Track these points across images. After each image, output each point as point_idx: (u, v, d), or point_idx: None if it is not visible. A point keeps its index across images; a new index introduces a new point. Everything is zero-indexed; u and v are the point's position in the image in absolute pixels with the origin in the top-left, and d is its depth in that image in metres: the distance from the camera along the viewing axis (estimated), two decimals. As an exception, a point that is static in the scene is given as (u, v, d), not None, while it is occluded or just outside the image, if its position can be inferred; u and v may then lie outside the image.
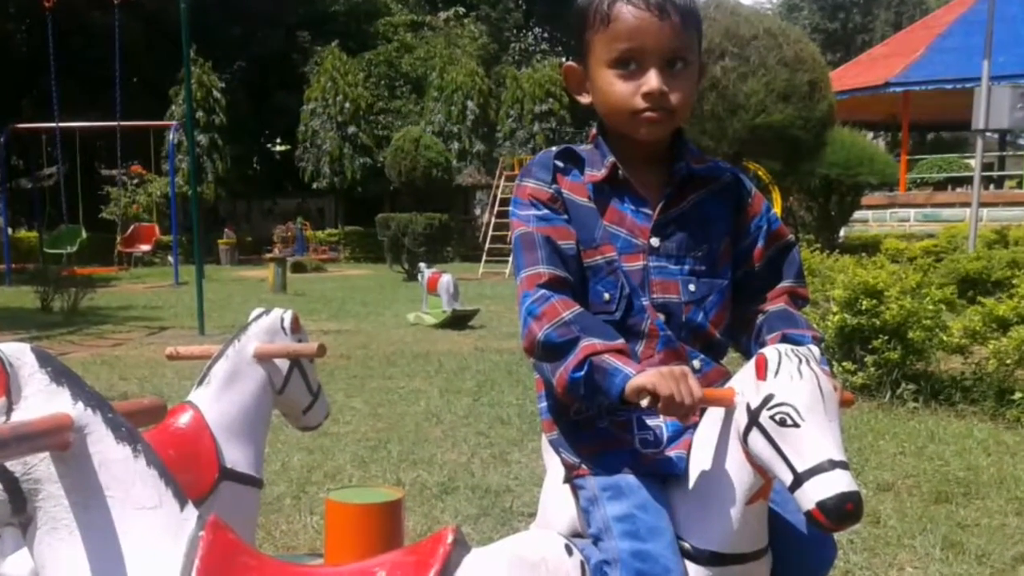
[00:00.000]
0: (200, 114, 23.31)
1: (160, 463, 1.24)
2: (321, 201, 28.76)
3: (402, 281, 16.26)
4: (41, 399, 1.18)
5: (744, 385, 1.34)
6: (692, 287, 1.52)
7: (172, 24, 16.14)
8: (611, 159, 1.52)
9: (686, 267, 1.52)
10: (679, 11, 1.45)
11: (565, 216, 1.51)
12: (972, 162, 14.73)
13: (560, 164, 1.55)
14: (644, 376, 1.31)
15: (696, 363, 1.50)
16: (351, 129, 25.54)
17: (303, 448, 4.36)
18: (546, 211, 1.51)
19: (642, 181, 1.53)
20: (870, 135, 22.00)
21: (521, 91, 25.83)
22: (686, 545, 1.40)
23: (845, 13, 41.11)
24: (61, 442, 1.16)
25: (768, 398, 1.28)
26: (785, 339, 1.45)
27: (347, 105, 25.47)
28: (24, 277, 14.69)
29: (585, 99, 1.57)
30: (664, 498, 1.43)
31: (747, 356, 1.48)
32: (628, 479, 1.44)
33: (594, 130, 1.60)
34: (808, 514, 1.24)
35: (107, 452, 1.20)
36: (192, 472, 1.88)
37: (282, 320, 2.17)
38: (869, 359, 5.40)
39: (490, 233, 19.10)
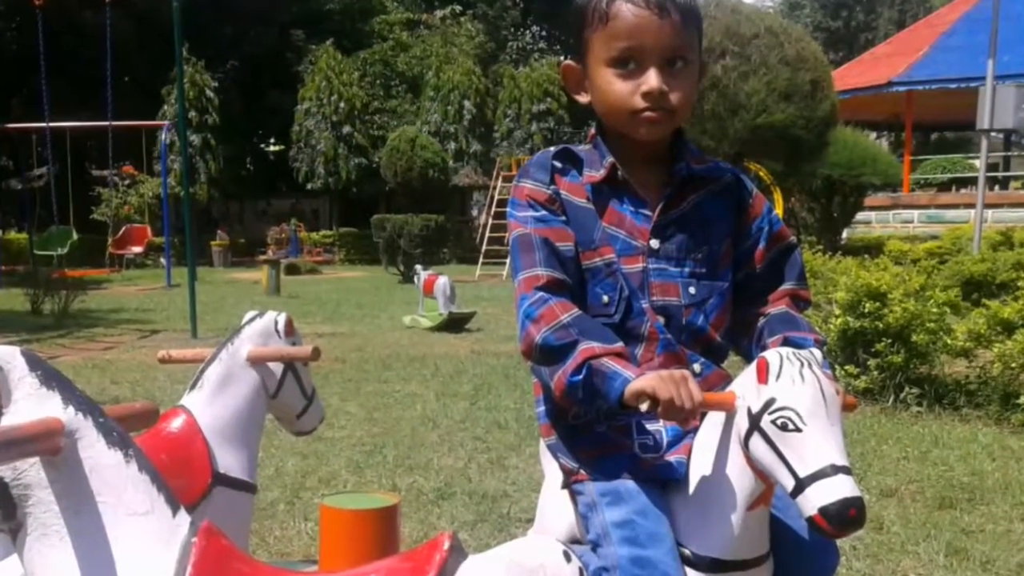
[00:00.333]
0: (193, 114, 23.23)
1: (152, 468, 1.23)
2: (316, 202, 28.70)
3: (398, 283, 16.22)
4: (31, 403, 1.16)
5: (745, 389, 1.33)
6: (692, 289, 1.50)
7: (164, 23, 16.16)
8: (610, 159, 1.51)
9: (686, 269, 1.50)
10: (679, 9, 1.43)
11: (563, 217, 1.50)
12: (977, 162, 14.61)
13: (558, 165, 1.54)
14: (643, 380, 1.30)
15: (696, 366, 1.49)
16: (346, 129, 25.49)
17: (297, 453, 4.34)
18: (544, 212, 1.49)
19: (641, 182, 1.52)
20: (873, 135, 21.97)
21: (519, 90, 25.76)
22: (686, 551, 1.38)
23: (847, 11, 41.03)
24: (51, 447, 1.14)
25: (770, 402, 1.27)
26: (787, 342, 1.44)
27: (342, 105, 25.42)
28: (14, 279, 14.64)
29: (584, 98, 1.56)
30: (664, 504, 1.42)
31: (748, 359, 1.47)
32: (627, 484, 1.42)
33: (593, 130, 1.58)
34: (810, 520, 1.23)
35: (98, 457, 1.18)
36: (184, 477, 1.86)
37: (276, 323, 2.15)
38: (872, 362, 5.37)
39: (487, 235, 19.04)
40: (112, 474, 1.18)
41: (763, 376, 1.29)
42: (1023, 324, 5.39)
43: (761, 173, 12.26)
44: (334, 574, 1.43)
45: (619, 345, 1.39)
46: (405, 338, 8.92)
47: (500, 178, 20.18)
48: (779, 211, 12.25)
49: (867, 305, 5.34)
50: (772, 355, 1.30)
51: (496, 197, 19.58)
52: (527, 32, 33.27)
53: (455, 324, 9.40)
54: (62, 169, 17.85)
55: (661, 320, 1.48)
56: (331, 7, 29.97)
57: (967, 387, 5.42)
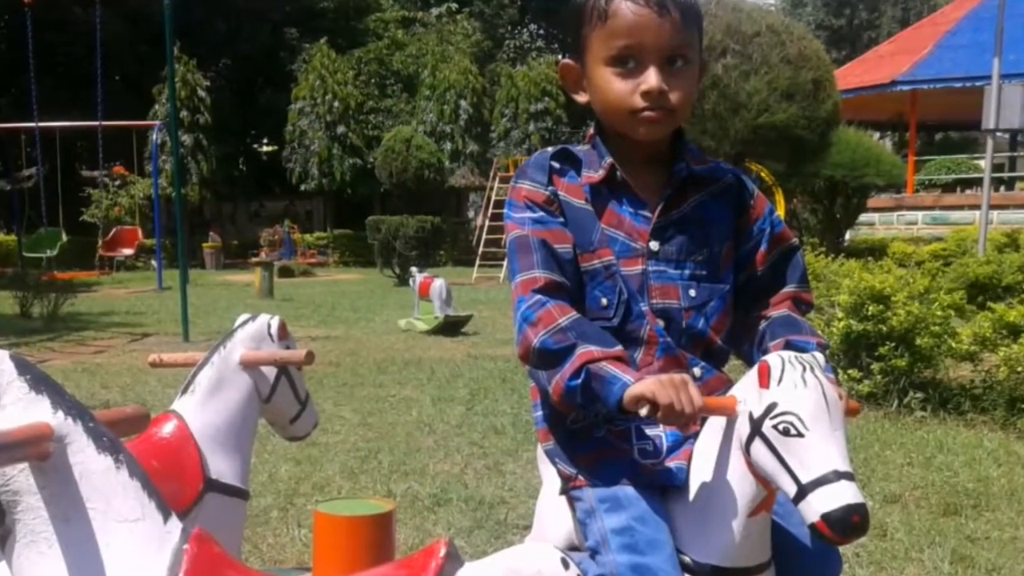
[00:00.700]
0: (184, 113, 23.19)
1: (143, 474, 1.22)
2: (309, 203, 28.66)
3: (393, 286, 16.20)
4: (20, 408, 1.15)
5: (746, 393, 1.31)
6: (693, 292, 1.49)
7: (155, 21, 16.07)
8: (609, 160, 1.50)
9: (686, 271, 1.49)
10: (679, 7, 1.42)
11: (561, 219, 1.48)
12: (982, 163, 14.57)
13: (556, 165, 1.52)
14: (643, 384, 1.28)
15: (697, 370, 1.48)
16: (340, 129, 25.46)
17: (291, 459, 4.31)
18: (542, 214, 1.48)
19: (641, 183, 1.51)
20: (876, 135, 21.97)
21: (516, 89, 25.76)
22: (686, 559, 1.37)
23: (850, 9, 41.04)
24: (40, 452, 1.13)
25: (771, 407, 1.26)
26: (789, 346, 1.43)
27: (336, 104, 25.38)
28: (2, 282, 14.52)
29: (582, 98, 1.55)
30: (664, 510, 1.41)
31: (749, 363, 1.46)
32: (626, 490, 1.41)
33: (591, 130, 1.57)
34: (812, 526, 1.22)
35: (88, 463, 1.17)
36: (176, 483, 1.85)
37: (269, 326, 2.14)
38: (875, 366, 5.32)
39: (484, 236, 18.95)
40: (102, 480, 1.17)
41: (765, 380, 1.28)
42: (1029, 327, 5.35)
43: (763, 174, 12.25)
44: (328, 581, 1.41)
45: (618, 349, 1.37)
46: (400, 342, 8.90)
47: (497, 179, 20.14)
48: (781, 212, 12.25)
49: (870, 308, 5.30)
50: (774, 359, 1.29)
51: (493, 198, 19.55)
52: (524, 30, 33.31)
53: (451, 327, 9.38)
54: (51, 170, 17.76)
55: (661, 323, 1.47)
56: (325, 5, 29.91)
57: (972, 391, 5.38)
